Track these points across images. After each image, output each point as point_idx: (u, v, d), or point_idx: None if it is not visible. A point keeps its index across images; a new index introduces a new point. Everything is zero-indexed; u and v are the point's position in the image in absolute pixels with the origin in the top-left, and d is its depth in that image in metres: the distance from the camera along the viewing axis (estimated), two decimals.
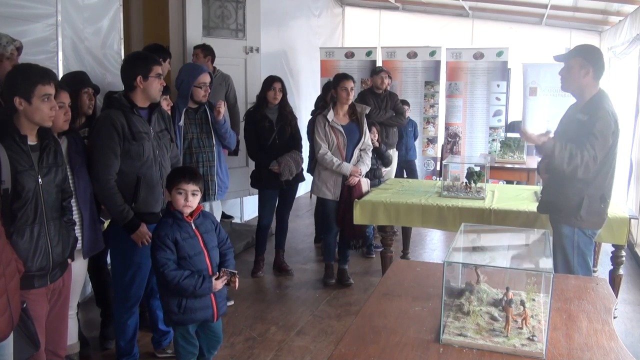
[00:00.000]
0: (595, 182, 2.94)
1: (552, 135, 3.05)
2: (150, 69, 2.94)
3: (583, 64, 2.96)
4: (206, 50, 5.01)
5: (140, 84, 2.94)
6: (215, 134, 4.05)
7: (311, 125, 4.70)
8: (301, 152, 4.72)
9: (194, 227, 2.72)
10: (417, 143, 6.91)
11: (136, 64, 2.99)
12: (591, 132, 2.84)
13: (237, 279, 2.78)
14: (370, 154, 4.61)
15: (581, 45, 3.11)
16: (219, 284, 2.72)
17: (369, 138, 4.60)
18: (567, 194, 2.99)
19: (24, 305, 2.18)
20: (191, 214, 2.72)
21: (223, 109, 3.99)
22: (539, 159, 3.31)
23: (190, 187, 2.67)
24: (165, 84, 3.07)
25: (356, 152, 4.51)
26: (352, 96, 4.48)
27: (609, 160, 2.95)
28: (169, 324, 2.82)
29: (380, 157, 5.05)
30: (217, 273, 2.74)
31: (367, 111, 4.61)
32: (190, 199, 2.67)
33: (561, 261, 3.02)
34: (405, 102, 6.48)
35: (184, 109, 3.95)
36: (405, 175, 6.41)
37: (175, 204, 2.68)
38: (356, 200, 4.13)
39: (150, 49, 4.41)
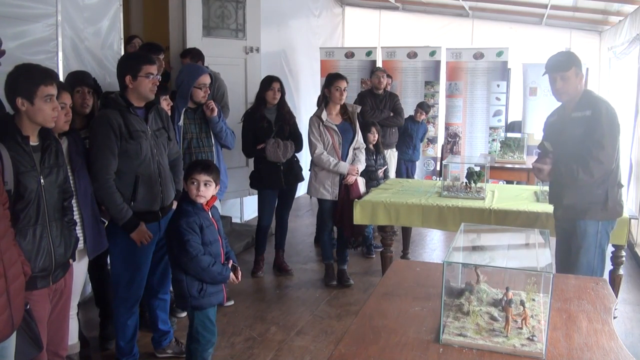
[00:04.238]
0: (612, 171, 3.01)
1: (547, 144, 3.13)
2: (139, 69, 2.93)
3: (577, 71, 3.03)
4: (196, 56, 4.87)
5: (130, 83, 2.94)
6: (212, 133, 4.05)
7: None
8: (301, 149, 4.72)
9: (210, 215, 2.86)
10: None
11: (126, 64, 3.02)
12: (599, 127, 2.90)
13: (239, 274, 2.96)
14: (364, 153, 4.62)
15: (567, 55, 3.11)
16: (236, 279, 2.91)
17: (361, 137, 4.61)
18: (591, 190, 3.00)
19: (27, 307, 2.17)
20: (207, 203, 2.84)
21: (213, 105, 3.98)
22: (535, 159, 3.34)
23: (203, 177, 2.77)
24: (158, 83, 3.03)
25: (350, 151, 4.51)
26: (345, 96, 4.48)
27: (618, 147, 3.01)
28: (186, 309, 2.94)
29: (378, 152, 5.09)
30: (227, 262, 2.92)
31: (359, 110, 4.62)
32: (202, 189, 2.77)
33: (583, 261, 3.02)
34: (422, 106, 6.47)
35: (184, 109, 3.95)
36: (404, 175, 6.43)
37: (189, 193, 2.79)
38: (356, 200, 4.13)
39: (144, 48, 4.44)
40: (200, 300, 2.81)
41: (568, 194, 3.07)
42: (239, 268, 2.95)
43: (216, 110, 3.98)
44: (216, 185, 2.85)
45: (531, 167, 3.25)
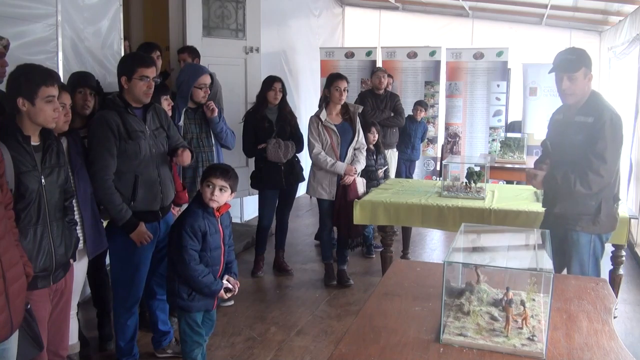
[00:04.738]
0: (609, 184, 2.87)
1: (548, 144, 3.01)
2: (134, 71, 2.92)
3: (586, 72, 2.86)
4: (193, 53, 4.89)
5: (125, 84, 2.95)
6: (213, 134, 4.05)
7: None
8: (302, 149, 4.72)
9: (219, 222, 2.83)
10: None
11: (122, 65, 3.02)
12: (602, 139, 2.76)
13: (236, 288, 2.93)
14: (364, 153, 4.62)
15: (577, 54, 2.90)
16: (225, 295, 2.85)
17: (362, 137, 4.61)
18: (584, 201, 2.88)
19: (28, 307, 2.17)
20: (219, 210, 2.82)
21: (213, 105, 3.96)
22: (533, 163, 3.19)
23: (219, 182, 2.76)
24: (153, 87, 3.00)
25: (350, 151, 4.51)
26: (345, 96, 4.48)
27: (619, 162, 2.90)
28: (173, 307, 2.91)
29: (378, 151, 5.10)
30: (225, 276, 2.87)
31: (360, 110, 4.62)
32: (216, 194, 2.75)
33: (577, 270, 2.93)
34: (421, 103, 6.50)
35: (184, 109, 3.94)
36: (404, 175, 6.44)
37: (203, 196, 2.77)
38: (356, 200, 4.13)
39: (141, 48, 4.46)
40: (188, 303, 2.79)
41: (560, 202, 2.95)
42: (237, 285, 2.89)
43: (216, 110, 3.98)
44: (232, 192, 2.83)
45: (525, 172, 3.10)
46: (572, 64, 2.85)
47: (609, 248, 3.84)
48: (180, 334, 2.92)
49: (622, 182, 5.77)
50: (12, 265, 2.02)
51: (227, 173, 2.80)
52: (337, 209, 4.48)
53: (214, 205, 2.77)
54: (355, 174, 4.48)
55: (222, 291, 2.81)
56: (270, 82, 4.58)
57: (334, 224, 4.60)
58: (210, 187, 2.75)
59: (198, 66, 4.33)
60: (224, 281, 2.83)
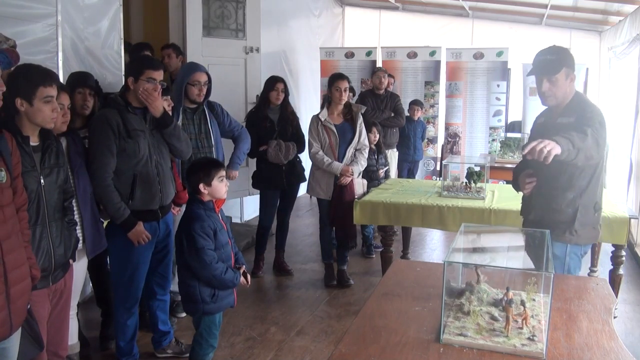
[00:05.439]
0: (588, 189, 2.66)
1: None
2: (141, 72, 2.94)
3: (568, 72, 2.64)
4: (176, 50, 4.91)
5: (131, 85, 2.96)
6: (216, 135, 4.04)
7: None
8: (303, 150, 4.71)
9: (221, 218, 2.85)
10: None
11: (131, 65, 3.06)
12: (588, 127, 2.48)
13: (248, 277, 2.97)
14: (365, 154, 4.61)
15: (557, 54, 2.66)
16: (247, 282, 2.90)
17: (364, 138, 4.60)
18: (559, 207, 2.67)
19: (28, 307, 2.17)
20: (217, 204, 2.85)
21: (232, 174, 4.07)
22: (520, 164, 2.96)
23: (224, 172, 2.83)
24: (159, 90, 3.00)
25: (350, 151, 4.50)
26: (346, 96, 4.48)
27: (601, 163, 2.69)
28: (195, 314, 2.87)
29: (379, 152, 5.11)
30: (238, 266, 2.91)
31: (363, 111, 4.62)
32: (227, 184, 2.84)
33: None
34: (416, 103, 6.51)
35: (181, 108, 3.92)
36: (406, 175, 6.44)
37: (218, 192, 2.80)
38: (356, 200, 4.13)
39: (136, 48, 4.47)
40: (212, 305, 2.80)
41: (535, 209, 2.77)
42: (247, 272, 2.93)
43: (233, 173, 4.10)
44: None
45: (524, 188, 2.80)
46: (552, 65, 2.62)
47: (609, 248, 3.85)
48: (196, 337, 2.90)
49: (622, 183, 5.81)
50: (17, 267, 2.01)
51: (221, 163, 2.90)
52: (333, 210, 4.48)
53: (225, 196, 2.83)
54: (352, 175, 4.46)
55: (242, 280, 2.85)
56: (273, 82, 4.58)
57: (331, 224, 4.60)
58: (224, 180, 2.80)
59: (194, 64, 4.28)
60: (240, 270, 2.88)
